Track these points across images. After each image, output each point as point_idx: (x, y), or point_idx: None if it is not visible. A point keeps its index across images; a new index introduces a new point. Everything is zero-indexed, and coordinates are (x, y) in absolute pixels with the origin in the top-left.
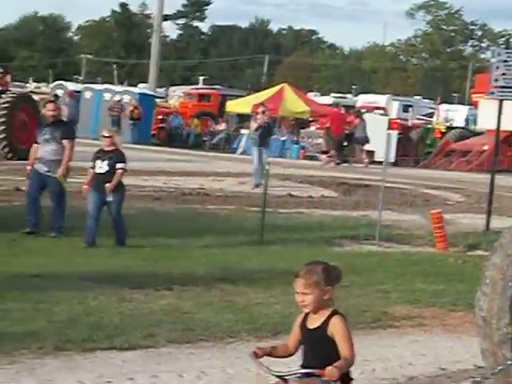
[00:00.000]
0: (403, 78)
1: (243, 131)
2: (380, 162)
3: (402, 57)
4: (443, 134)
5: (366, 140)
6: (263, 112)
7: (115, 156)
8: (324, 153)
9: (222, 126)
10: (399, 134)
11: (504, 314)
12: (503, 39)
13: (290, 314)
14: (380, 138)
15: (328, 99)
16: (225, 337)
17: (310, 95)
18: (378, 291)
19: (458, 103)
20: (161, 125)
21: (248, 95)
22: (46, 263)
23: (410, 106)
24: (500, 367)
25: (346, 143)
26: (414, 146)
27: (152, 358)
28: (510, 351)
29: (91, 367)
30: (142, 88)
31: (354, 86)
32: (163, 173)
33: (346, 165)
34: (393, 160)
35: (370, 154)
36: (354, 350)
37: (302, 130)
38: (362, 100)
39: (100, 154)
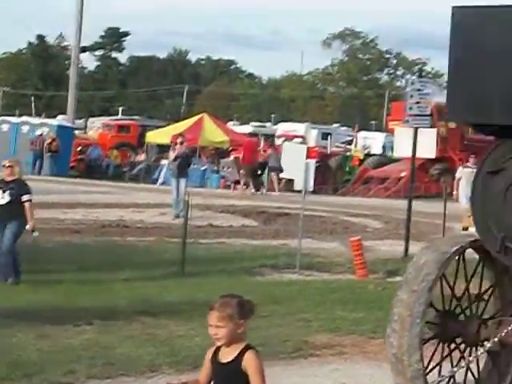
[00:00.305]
0: (321, 106)
1: (163, 162)
2: (299, 191)
3: (319, 85)
4: (361, 161)
5: (280, 169)
6: (181, 142)
7: (17, 186)
8: (236, 182)
9: (142, 157)
10: (318, 161)
11: (414, 350)
12: (417, 67)
13: (210, 347)
14: (299, 167)
15: (247, 128)
16: (146, 371)
17: (230, 124)
18: (298, 320)
19: (376, 130)
20: (80, 156)
21: (167, 125)
22: None
23: (329, 133)
24: None
25: (259, 172)
26: (332, 174)
27: None
28: None
29: None
30: (60, 120)
31: (272, 115)
32: (82, 205)
33: (261, 193)
34: (312, 188)
35: (289, 182)
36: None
37: (221, 160)
38: (281, 128)
39: (1, 185)
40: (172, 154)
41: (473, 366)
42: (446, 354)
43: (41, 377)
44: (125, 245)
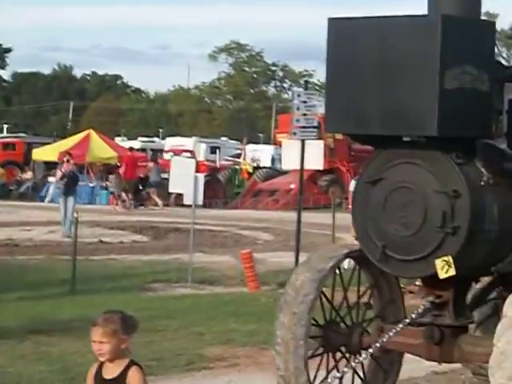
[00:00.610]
0: (209, 119)
1: (51, 179)
2: (189, 205)
3: (207, 99)
4: (250, 174)
5: (161, 183)
6: (68, 160)
7: None
8: (115, 197)
9: (29, 175)
10: (207, 175)
11: (301, 372)
12: (304, 79)
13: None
14: (188, 181)
15: (136, 143)
16: None
17: (118, 140)
18: (192, 333)
19: (264, 143)
20: None
21: (54, 142)
22: None
23: (218, 147)
24: None
25: (141, 187)
26: (222, 188)
27: None
28: None
29: None
30: None
31: (160, 130)
32: None
33: (143, 208)
34: (201, 202)
35: (179, 197)
36: None
37: (110, 176)
38: (170, 143)
39: None
40: (59, 173)
41: (359, 368)
42: (332, 365)
43: None
44: (15, 264)
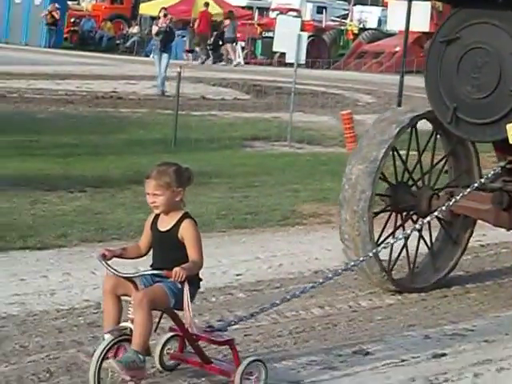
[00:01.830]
0: None
1: None
2: (292, 65)
3: None
4: (356, 35)
5: (234, 40)
6: (165, 15)
7: None
8: (188, 52)
9: (135, 29)
10: (312, 35)
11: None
12: None
13: (201, 214)
14: (292, 40)
15: (242, 1)
16: (136, 235)
17: None
18: (287, 190)
19: (372, 4)
20: (73, 28)
21: None
22: None
23: (324, 7)
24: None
25: (220, 42)
26: (327, 48)
27: (65, 257)
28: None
29: (5, 266)
30: None
31: None
32: (76, 76)
33: (223, 64)
34: (304, 61)
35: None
36: (203, 253)
37: (214, 33)
38: (276, 2)
39: None
40: (155, 28)
41: (427, 235)
42: (398, 224)
43: (35, 239)
44: (118, 116)
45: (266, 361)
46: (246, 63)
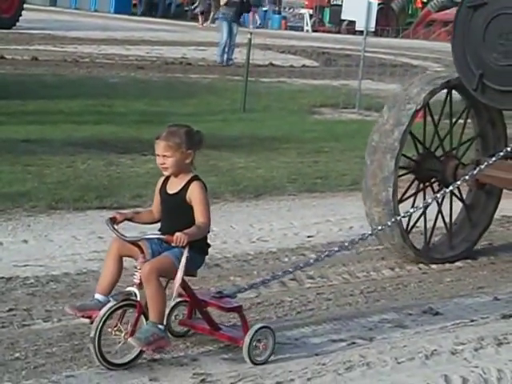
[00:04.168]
0: None
1: None
2: (361, 32)
3: None
4: (425, 4)
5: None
6: None
7: None
8: (202, 14)
9: None
10: (381, 4)
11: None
12: None
13: (272, 178)
14: (361, 8)
15: None
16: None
17: None
18: (356, 156)
19: None
20: None
21: None
22: (33, 129)
23: None
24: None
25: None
26: (395, 16)
27: None
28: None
29: (83, 224)
30: None
31: None
32: (146, 42)
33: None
34: (373, 29)
35: (351, 24)
36: (210, 217)
37: (284, 0)
38: None
39: None
40: None
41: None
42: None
43: (111, 199)
44: (187, 81)
45: (275, 329)
46: (314, 31)
